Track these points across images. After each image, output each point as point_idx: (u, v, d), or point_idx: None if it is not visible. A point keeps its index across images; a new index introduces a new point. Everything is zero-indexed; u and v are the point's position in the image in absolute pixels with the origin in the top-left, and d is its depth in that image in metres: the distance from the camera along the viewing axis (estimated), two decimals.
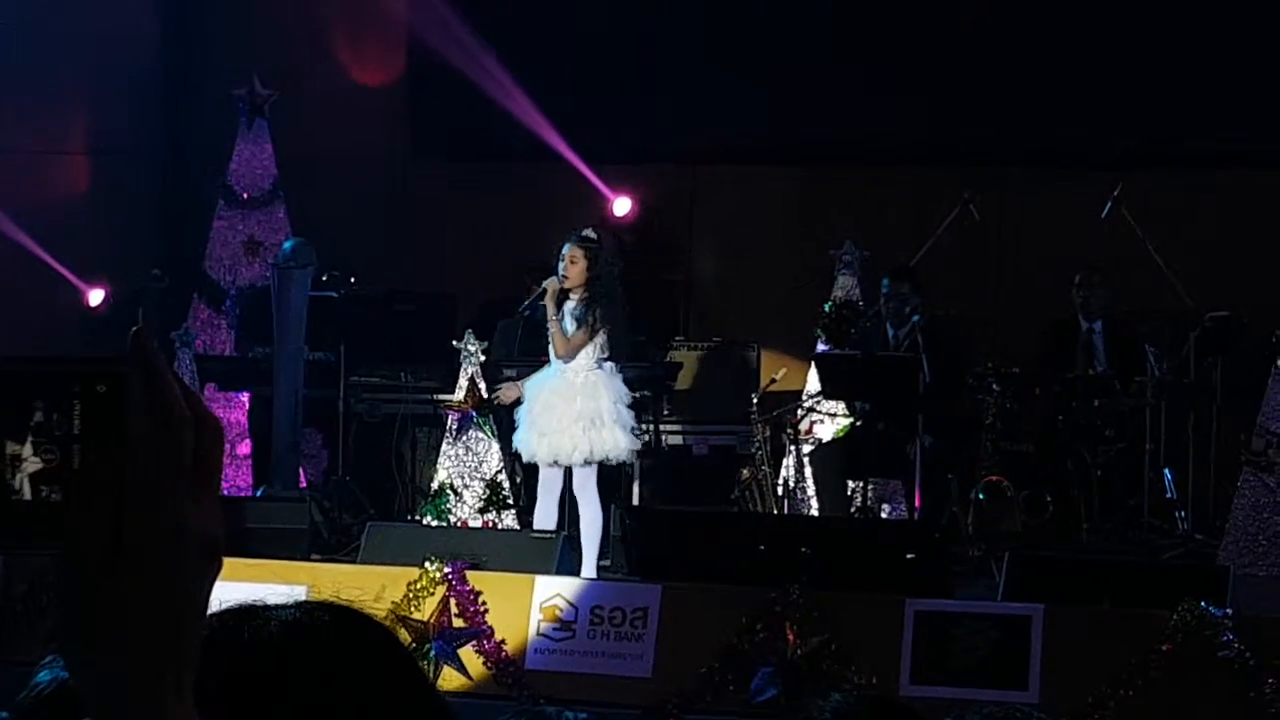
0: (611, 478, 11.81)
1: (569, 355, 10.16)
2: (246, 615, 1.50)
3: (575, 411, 10.08)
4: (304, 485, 12.67)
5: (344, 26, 15.08)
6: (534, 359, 10.88)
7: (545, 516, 10.41)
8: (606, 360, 10.25)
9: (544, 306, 10.24)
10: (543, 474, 10.47)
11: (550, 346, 10.32)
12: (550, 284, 10.19)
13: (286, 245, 12.90)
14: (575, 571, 9.62)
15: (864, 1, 14.45)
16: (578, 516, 10.32)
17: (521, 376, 10.81)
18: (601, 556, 10.83)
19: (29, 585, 9.32)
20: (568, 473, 10.28)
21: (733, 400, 12.70)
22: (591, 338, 10.14)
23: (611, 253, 10.68)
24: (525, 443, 10.41)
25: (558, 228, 10.76)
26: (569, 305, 10.20)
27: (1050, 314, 12.61)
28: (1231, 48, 13.79)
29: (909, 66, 14.23)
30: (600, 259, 10.29)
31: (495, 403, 11.47)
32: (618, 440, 10.13)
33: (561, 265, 10.19)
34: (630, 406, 10.35)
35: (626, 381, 10.60)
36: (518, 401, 10.79)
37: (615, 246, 10.95)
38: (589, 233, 10.40)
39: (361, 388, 12.63)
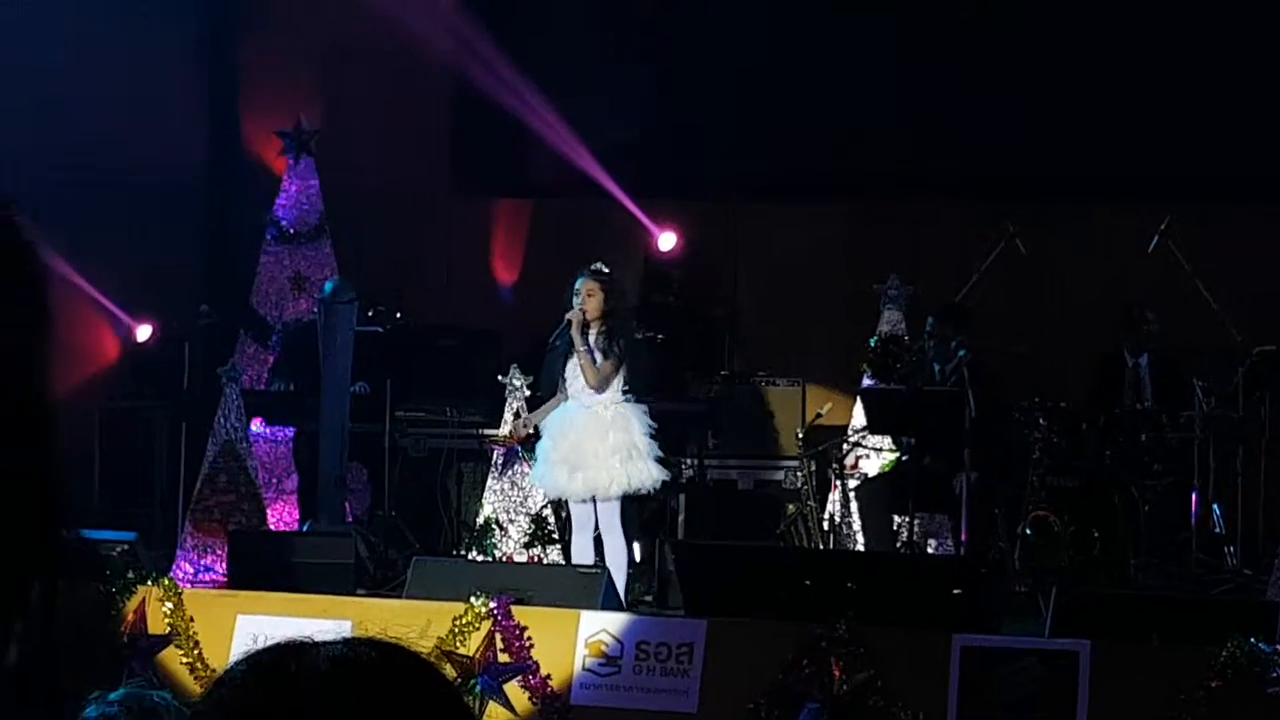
0: (657, 512, 11.82)
1: (601, 385, 10.18)
2: (294, 650, 1.51)
3: (610, 445, 10.10)
4: (350, 520, 12.69)
5: (388, 63, 15.15)
6: None
7: (582, 552, 10.41)
8: (628, 392, 10.28)
9: (570, 338, 10.27)
10: (574, 510, 10.48)
11: (570, 380, 10.31)
12: (574, 315, 10.22)
13: (328, 285, 12.95)
14: (620, 607, 9.61)
15: (905, 38, 14.44)
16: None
17: None
18: (647, 591, 10.85)
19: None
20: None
21: (778, 435, 12.70)
22: (619, 368, 10.18)
23: (622, 286, 10.73)
24: (550, 479, 10.39)
25: (603, 263, 10.78)
26: (591, 338, 10.23)
27: (1097, 348, 12.57)
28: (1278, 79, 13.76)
29: (953, 101, 14.24)
30: (614, 291, 10.33)
31: (505, 442, 11.51)
32: (651, 471, 10.17)
33: (578, 300, 10.22)
34: (654, 437, 10.36)
35: (667, 415, 10.60)
36: (532, 437, 10.81)
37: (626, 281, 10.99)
38: (600, 266, 10.42)
39: (407, 423, 12.66)
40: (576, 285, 10.27)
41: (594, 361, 10.18)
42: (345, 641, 1.54)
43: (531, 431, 10.80)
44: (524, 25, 15.02)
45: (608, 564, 10.06)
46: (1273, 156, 13.72)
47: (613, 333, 10.19)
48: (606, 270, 10.41)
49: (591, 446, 10.13)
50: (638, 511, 11.25)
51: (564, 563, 10.94)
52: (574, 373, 10.31)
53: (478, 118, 15.09)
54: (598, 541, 10.41)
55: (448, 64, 15.08)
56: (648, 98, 14.78)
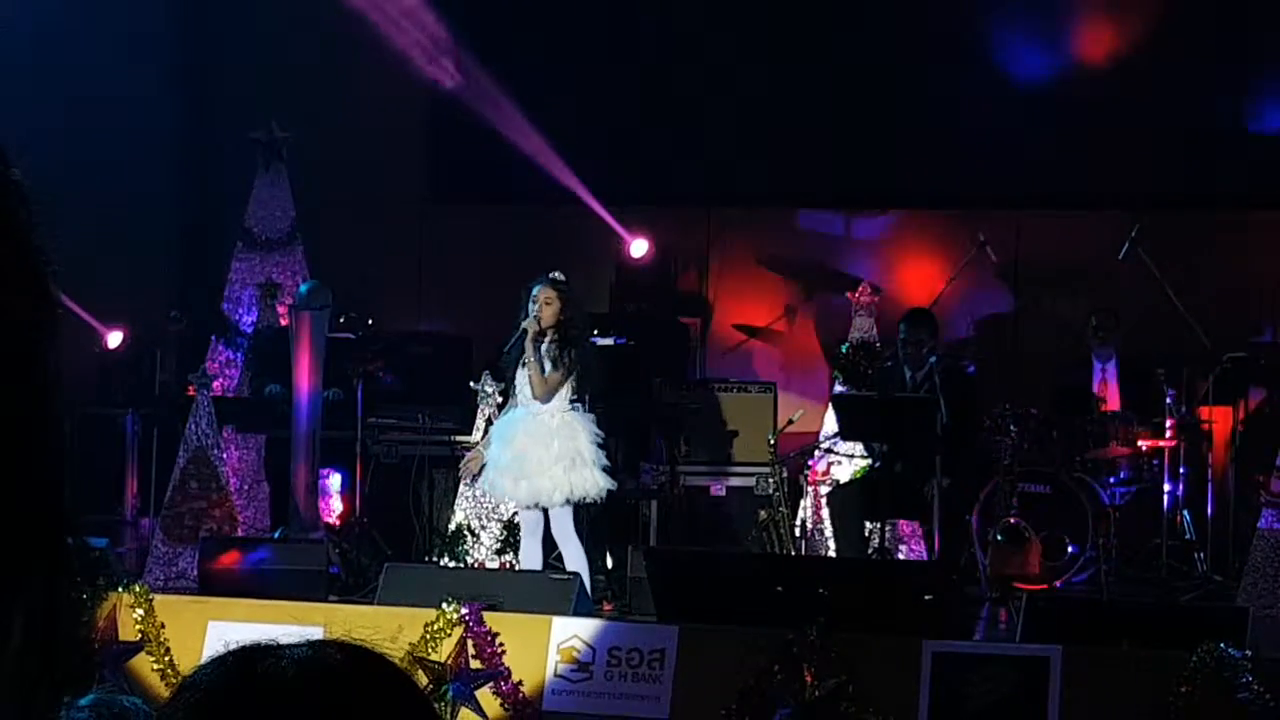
0: (628, 519, 11.81)
1: (547, 396, 10.15)
2: (259, 654, 1.51)
3: (554, 453, 10.06)
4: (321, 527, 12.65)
5: (362, 70, 15.14)
6: None
7: (530, 557, 10.40)
8: (576, 401, 10.25)
9: (523, 347, 10.24)
10: (523, 516, 10.46)
11: (519, 388, 10.29)
12: (529, 325, 10.19)
13: (303, 288, 12.94)
14: (591, 613, 9.60)
15: (879, 48, 14.47)
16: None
17: None
18: (617, 597, 10.84)
19: None
20: (547, 512, 10.27)
21: (750, 441, 12.70)
22: (567, 378, 10.15)
23: (578, 294, 10.71)
24: (497, 485, 10.35)
25: (575, 270, 10.78)
26: (543, 346, 10.20)
27: (1068, 355, 12.60)
28: (1241, 90, 13.81)
29: (923, 110, 14.27)
30: (570, 300, 10.31)
31: (461, 475, 11.49)
32: (596, 480, 10.11)
33: (534, 306, 10.19)
34: (601, 446, 10.32)
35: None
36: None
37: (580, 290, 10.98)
38: (558, 275, 10.40)
39: (379, 429, 12.63)
40: (534, 291, 10.24)
41: (542, 372, 10.15)
42: (311, 644, 1.53)
43: (484, 460, 10.68)
44: (497, 31, 15.03)
45: (569, 570, 10.06)
46: (1238, 165, 13.79)
47: (565, 342, 10.16)
48: (564, 278, 10.40)
49: (536, 454, 10.10)
50: (608, 518, 11.23)
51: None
52: (523, 381, 10.28)
53: (451, 124, 15.09)
54: (548, 544, 10.40)
55: (422, 70, 15.08)
56: (621, 104, 14.79)
